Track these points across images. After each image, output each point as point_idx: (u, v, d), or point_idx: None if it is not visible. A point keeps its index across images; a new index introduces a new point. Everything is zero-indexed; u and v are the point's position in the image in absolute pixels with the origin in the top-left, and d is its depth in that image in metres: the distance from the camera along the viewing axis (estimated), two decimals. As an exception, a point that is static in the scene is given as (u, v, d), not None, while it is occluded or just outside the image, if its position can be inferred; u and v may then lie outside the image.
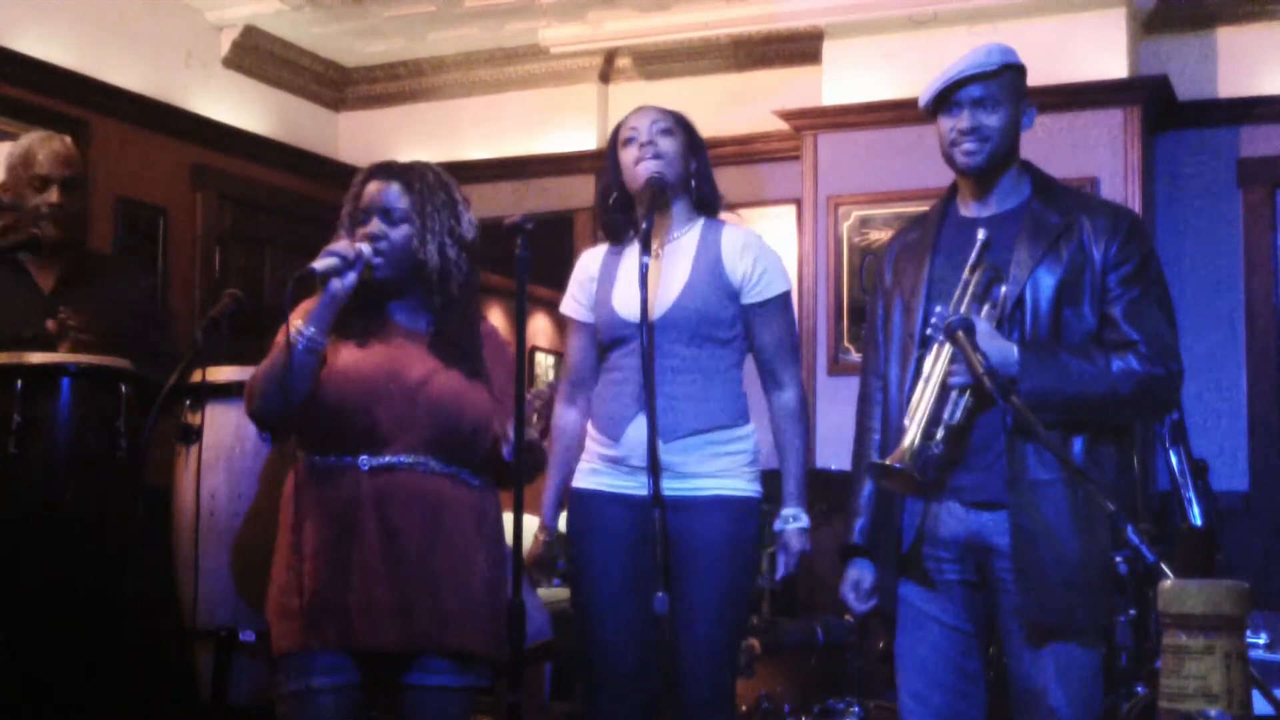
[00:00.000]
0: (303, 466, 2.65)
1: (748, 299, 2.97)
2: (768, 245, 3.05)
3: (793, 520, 2.96)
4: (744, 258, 2.96)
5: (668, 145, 2.96)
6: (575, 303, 3.13)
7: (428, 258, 2.61)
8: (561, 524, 3.12)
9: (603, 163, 3.12)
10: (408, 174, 2.66)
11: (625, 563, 2.92)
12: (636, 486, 2.87)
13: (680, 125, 3.02)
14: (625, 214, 3.04)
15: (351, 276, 2.55)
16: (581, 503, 3.01)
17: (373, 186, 2.66)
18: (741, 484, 2.92)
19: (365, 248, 2.58)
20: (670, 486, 2.82)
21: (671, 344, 2.91)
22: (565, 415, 3.10)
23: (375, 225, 2.62)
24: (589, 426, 3.04)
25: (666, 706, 2.70)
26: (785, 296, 3.01)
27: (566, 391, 3.12)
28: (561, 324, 3.30)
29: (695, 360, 2.91)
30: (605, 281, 3.06)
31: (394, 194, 2.63)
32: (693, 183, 3.01)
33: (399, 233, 2.62)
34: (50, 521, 3.57)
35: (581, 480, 3.02)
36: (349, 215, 2.69)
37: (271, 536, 2.70)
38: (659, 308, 2.92)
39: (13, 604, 3.50)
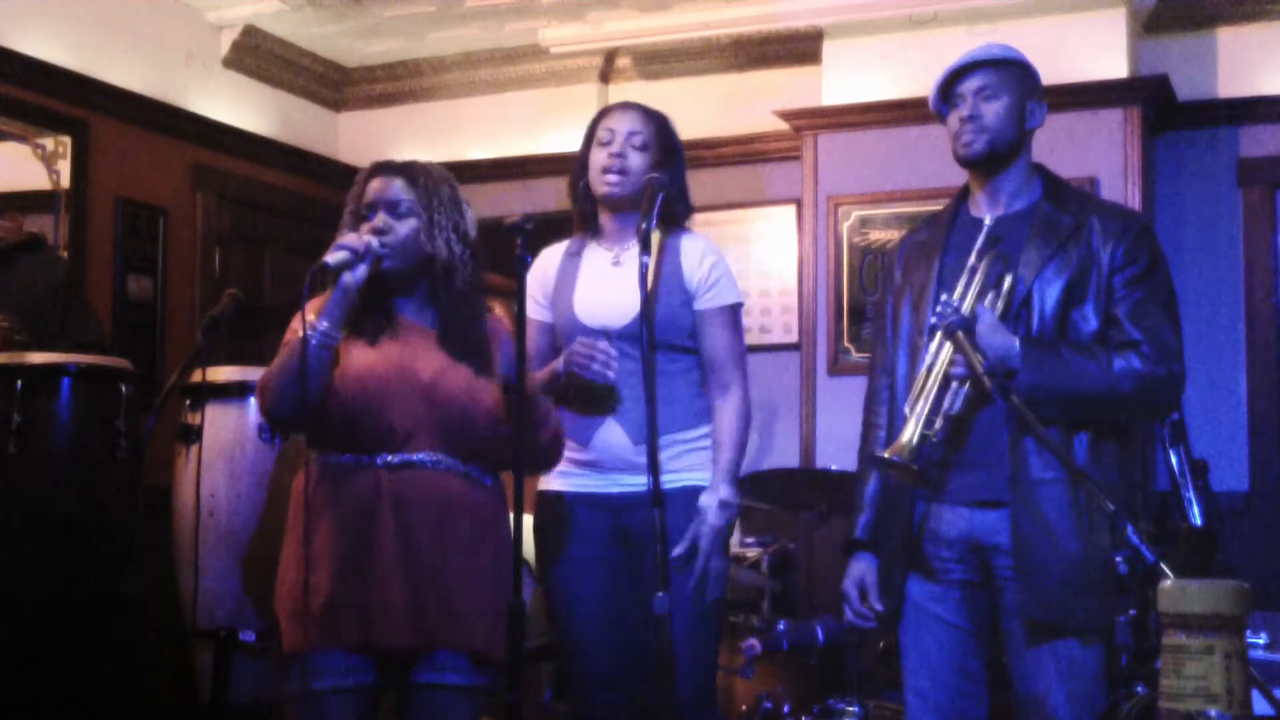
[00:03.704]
0: (315, 465, 2.64)
1: (700, 304, 2.99)
2: (724, 256, 3.07)
3: (718, 494, 2.89)
4: (702, 264, 2.99)
5: (636, 161, 2.97)
6: (533, 302, 3.08)
7: (436, 251, 2.62)
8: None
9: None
10: (411, 170, 2.67)
11: (601, 562, 2.96)
12: (607, 485, 2.93)
13: (657, 136, 3.00)
14: (590, 204, 3.06)
15: (362, 269, 2.55)
16: (553, 503, 3.02)
17: (376, 183, 2.66)
18: (710, 476, 2.95)
19: (373, 240, 2.58)
20: (643, 483, 2.81)
21: (634, 349, 2.91)
22: None
23: (381, 219, 2.62)
24: None
25: (668, 708, 2.69)
26: (737, 308, 3.03)
27: None
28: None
29: (658, 365, 2.88)
30: (564, 284, 3.05)
31: (398, 189, 2.63)
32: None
33: (405, 226, 2.62)
34: (50, 521, 3.57)
35: (552, 483, 3.03)
36: (352, 213, 2.69)
37: (282, 542, 2.69)
38: (622, 315, 2.95)
39: (12, 604, 3.50)
